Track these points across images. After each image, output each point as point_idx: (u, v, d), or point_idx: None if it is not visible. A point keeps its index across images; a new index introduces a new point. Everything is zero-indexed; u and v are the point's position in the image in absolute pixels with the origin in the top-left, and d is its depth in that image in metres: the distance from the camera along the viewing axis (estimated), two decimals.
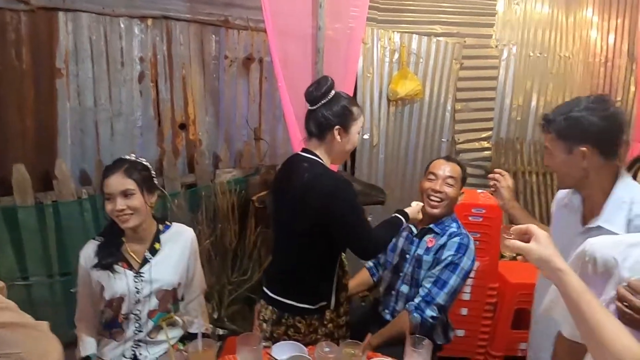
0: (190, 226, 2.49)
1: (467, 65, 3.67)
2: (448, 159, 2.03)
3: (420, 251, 1.95)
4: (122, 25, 2.65)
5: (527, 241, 1.02)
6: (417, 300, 1.86)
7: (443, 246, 1.89)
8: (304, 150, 1.77)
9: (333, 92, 1.70)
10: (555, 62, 4.00)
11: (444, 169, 1.95)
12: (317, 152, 1.73)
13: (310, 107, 1.73)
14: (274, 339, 1.77)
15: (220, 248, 2.81)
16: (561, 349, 1.16)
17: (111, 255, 1.64)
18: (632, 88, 4.29)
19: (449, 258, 1.85)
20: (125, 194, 1.58)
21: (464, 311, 2.65)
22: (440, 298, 1.83)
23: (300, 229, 1.72)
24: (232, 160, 3.09)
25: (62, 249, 2.55)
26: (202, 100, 2.96)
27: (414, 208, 1.95)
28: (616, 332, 0.88)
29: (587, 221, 1.45)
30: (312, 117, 1.72)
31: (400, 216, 1.86)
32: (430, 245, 1.94)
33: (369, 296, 3.50)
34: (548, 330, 1.60)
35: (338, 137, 1.70)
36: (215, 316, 2.78)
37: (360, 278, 2.26)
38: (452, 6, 3.53)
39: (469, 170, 3.75)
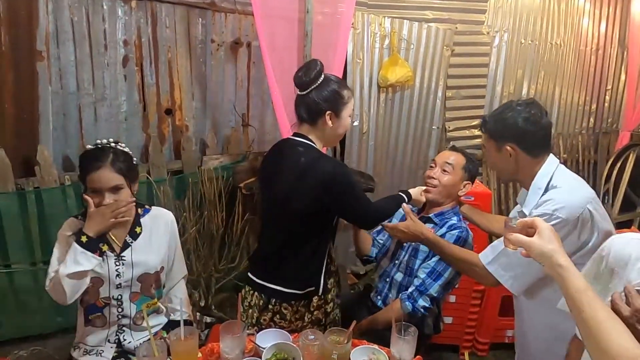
0: (176, 213, 2.46)
1: (458, 52, 3.63)
2: (453, 148, 2.03)
3: None
4: (104, 7, 2.58)
5: (531, 235, 1.00)
6: (410, 289, 1.87)
7: (441, 236, 1.85)
8: (295, 134, 1.74)
9: (322, 76, 1.66)
10: (546, 49, 3.97)
11: (444, 156, 1.97)
12: (310, 137, 1.71)
13: (300, 92, 1.69)
14: (260, 326, 1.75)
15: (207, 235, 2.78)
16: (574, 348, 1.18)
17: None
18: (623, 76, 4.29)
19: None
20: (114, 189, 1.53)
21: (452, 298, 2.65)
22: (434, 289, 1.84)
23: (295, 212, 1.69)
24: (220, 147, 3.04)
25: (45, 236, 2.50)
26: (188, 85, 2.90)
27: (417, 189, 1.95)
28: (615, 332, 0.85)
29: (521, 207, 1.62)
30: (302, 103, 1.69)
31: (402, 194, 1.88)
32: None
33: (359, 283, 3.50)
34: (532, 316, 1.62)
35: (330, 122, 1.67)
36: (203, 304, 2.75)
37: (365, 238, 2.22)
38: None
39: None
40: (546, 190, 1.51)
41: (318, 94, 1.65)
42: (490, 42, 3.75)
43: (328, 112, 1.66)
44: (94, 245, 1.52)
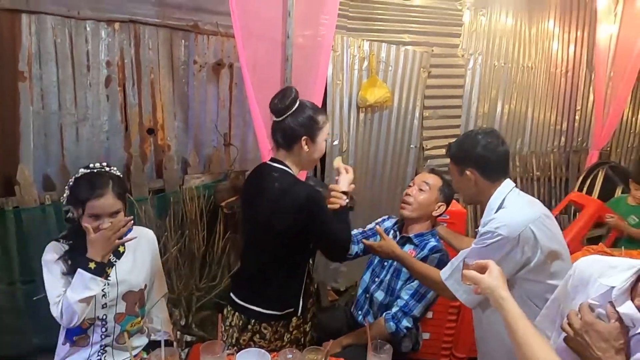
0: (157, 232, 2.47)
1: (435, 74, 3.76)
2: (432, 170, 2.13)
3: None
4: (88, 29, 2.62)
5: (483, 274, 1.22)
6: (394, 309, 1.92)
7: (424, 260, 1.92)
8: (272, 159, 1.79)
9: (298, 102, 1.71)
10: (519, 71, 4.15)
11: (423, 177, 2.07)
12: (286, 162, 1.75)
13: (275, 119, 1.74)
14: (239, 346, 1.78)
15: (188, 254, 2.80)
16: None
17: (78, 259, 1.60)
18: (591, 97, 4.49)
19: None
20: (115, 214, 1.55)
21: (430, 314, 2.71)
22: (417, 310, 1.91)
23: (275, 234, 1.73)
24: (202, 166, 3.08)
25: (24, 256, 2.50)
26: (171, 105, 2.95)
27: (349, 178, 1.83)
28: (542, 352, 1.05)
29: None
30: (278, 129, 1.74)
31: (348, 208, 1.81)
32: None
33: (339, 300, 3.55)
34: (491, 326, 1.70)
35: (305, 147, 1.72)
36: (183, 323, 2.76)
37: None
38: (420, 16, 3.62)
39: None
40: (497, 210, 1.63)
41: (294, 120, 1.70)
42: (465, 64, 3.90)
43: (304, 137, 1.70)
44: (101, 269, 1.54)
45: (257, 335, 1.79)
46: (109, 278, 1.62)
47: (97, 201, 1.52)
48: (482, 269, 1.23)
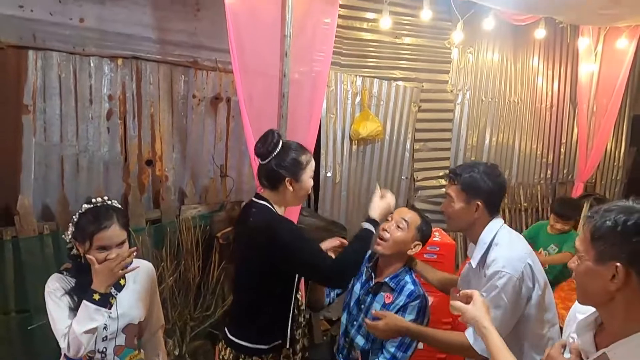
0: (153, 262, 2.52)
1: (425, 108, 3.90)
2: (412, 207, 2.13)
3: (377, 306, 1.93)
4: (92, 64, 2.72)
5: (468, 303, 1.31)
6: None
7: (404, 308, 1.88)
8: (256, 195, 1.86)
9: (280, 145, 1.77)
10: (505, 106, 4.31)
11: (402, 212, 1.99)
12: (270, 199, 1.81)
13: (260, 162, 1.81)
14: None
15: (184, 284, 2.83)
16: None
17: (82, 292, 1.60)
18: (575, 130, 4.65)
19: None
20: (121, 244, 1.60)
21: (420, 345, 2.74)
22: None
23: (253, 270, 1.79)
24: (198, 196, 3.14)
25: (20, 285, 2.51)
26: (169, 137, 3.03)
27: (381, 205, 1.85)
28: None
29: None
30: (263, 171, 1.80)
31: (369, 227, 1.80)
32: (387, 301, 1.93)
33: (331, 330, 3.56)
34: None
35: (290, 187, 1.77)
36: (177, 352, 2.77)
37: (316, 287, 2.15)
38: (411, 54, 3.78)
39: (426, 206, 3.94)
40: (490, 244, 1.71)
41: (277, 163, 1.75)
42: (454, 99, 4.05)
43: (287, 179, 1.76)
44: (105, 300, 1.57)
45: None
46: (110, 311, 1.64)
47: (105, 233, 1.56)
48: (468, 299, 1.31)
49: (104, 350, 1.66)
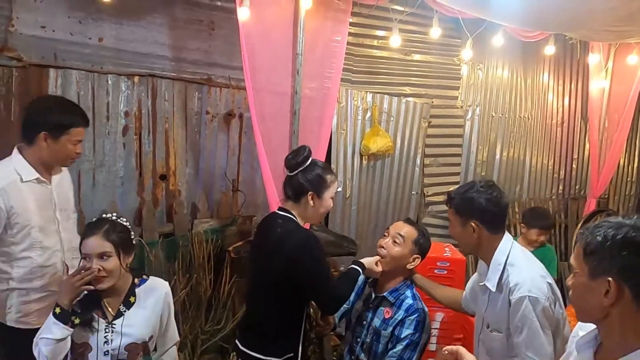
0: (166, 276, 2.55)
1: (435, 124, 3.93)
2: (407, 220, 2.06)
3: (377, 322, 1.95)
4: (109, 82, 2.80)
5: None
6: None
7: (402, 323, 1.88)
8: (280, 208, 1.93)
9: (309, 161, 1.88)
10: (515, 122, 4.32)
11: (397, 227, 1.98)
12: (293, 212, 1.89)
13: (288, 173, 1.90)
14: None
15: (195, 297, 2.86)
16: None
17: (90, 307, 1.66)
18: (587, 146, 4.63)
19: (409, 337, 1.87)
20: (102, 256, 1.61)
21: (433, 347, 2.73)
22: None
23: (271, 281, 1.84)
24: (210, 211, 3.19)
25: None
26: (183, 152, 3.10)
27: (372, 259, 1.94)
28: None
29: (482, 280, 1.78)
30: (289, 182, 1.90)
31: (356, 267, 1.92)
32: (387, 316, 1.93)
33: (341, 345, 3.55)
34: None
35: (311, 202, 1.87)
36: None
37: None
38: (421, 70, 3.82)
39: (437, 221, 3.94)
40: (504, 266, 1.68)
41: (303, 176, 1.86)
42: (464, 115, 4.07)
43: (310, 192, 1.86)
44: (65, 317, 1.58)
45: None
46: (114, 326, 1.66)
47: (87, 240, 1.62)
48: (454, 357, 1.26)
49: None
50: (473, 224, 1.70)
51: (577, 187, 4.71)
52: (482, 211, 1.69)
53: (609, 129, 4.32)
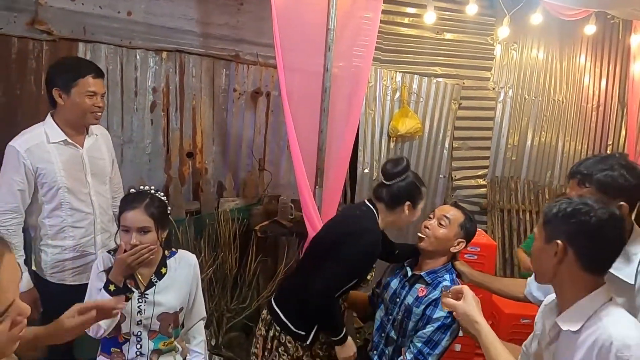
0: (193, 253, 2.56)
1: (465, 106, 3.82)
2: (454, 204, 2.06)
3: (410, 299, 1.92)
4: (138, 57, 2.78)
5: (460, 299, 1.39)
6: (409, 356, 1.85)
7: (435, 303, 1.83)
8: (370, 200, 1.96)
9: (408, 171, 1.90)
10: (549, 105, 4.16)
11: (444, 210, 1.97)
12: (379, 213, 1.92)
13: (385, 181, 1.92)
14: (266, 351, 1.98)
15: (221, 275, 2.87)
16: None
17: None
18: (623, 132, 4.45)
19: (442, 320, 1.81)
20: (142, 230, 1.62)
21: (457, 347, 2.69)
22: (432, 358, 1.83)
23: (321, 257, 1.90)
24: (236, 189, 3.17)
25: None
26: (210, 130, 3.07)
27: (349, 348, 1.95)
28: None
29: None
30: (385, 191, 1.92)
31: (342, 335, 1.92)
32: (421, 294, 1.90)
33: (364, 328, 3.54)
34: None
35: (407, 211, 1.89)
36: (213, 343, 2.81)
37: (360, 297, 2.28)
38: (452, 49, 3.70)
39: (464, 206, 3.85)
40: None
41: (402, 186, 1.88)
42: (496, 97, 3.94)
43: (408, 202, 1.89)
44: (120, 292, 1.61)
45: (277, 342, 1.95)
46: (146, 296, 1.69)
47: (128, 213, 1.62)
48: (459, 295, 1.40)
49: (139, 333, 1.69)
50: (622, 203, 1.44)
51: None
52: (629, 189, 1.45)
53: None
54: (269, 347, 1.98)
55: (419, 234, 1.96)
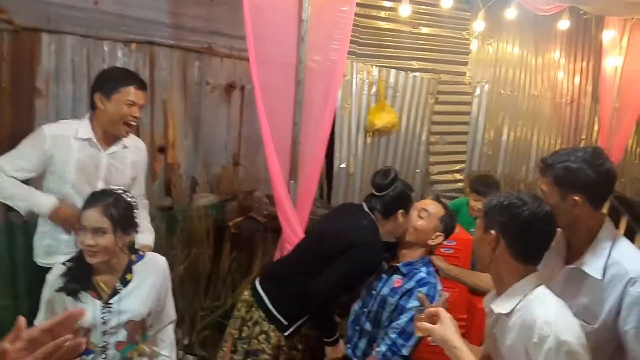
0: (164, 250, 2.49)
1: (442, 100, 3.82)
2: (435, 198, 2.06)
3: (385, 290, 1.93)
4: (105, 49, 2.67)
5: (435, 322, 1.31)
6: (383, 348, 1.86)
7: (410, 293, 1.86)
8: (367, 202, 1.99)
9: (397, 182, 1.95)
10: (524, 100, 4.20)
11: (424, 203, 2.01)
12: (377, 220, 1.95)
13: (375, 193, 1.97)
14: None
15: (194, 273, 2.80)
16: None
17: (77, 281, 1.60)
18: (596, 127, 4.53)
19: (415, 309, 1.79)
20: (97, 231, 1.55)
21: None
22: (406, 350, 1.84)
23: (319, 251, 1.95)
24: (210, 185, 3.10)
25: (30, 270, 2.50)
26: (182, 124, 2.99)
27: (339, 350, 1.97)
28: None
29: (570, 262, 1.54)
30: (378, 202, 1.97)
31: (334, 338, 1.93)
32: (396, 285, 1.92)
33: (341, 324, 3.52)
34: None
35: (401, 219, 1.93)
36: (186, 342, 2.74)
37: None
38: (429, 44, 3.69)
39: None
40: (610, 251, 1.46)
41: (392, 196, 1.94)
42: (472, 91, 3.96)
43: (401, 210, 1.93)
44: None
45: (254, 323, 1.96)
46: (110, 306, 1.61)
47: (85, 212, 1.57)
48: (433, 319, 1.32)
49: (105, 344, 1.62)
50: (577, 198, 1.44)
51: None
52: (590, 184, 1.43)
53: (620, 110, 4.21)
54: (247, 329, 1.98)
55: None
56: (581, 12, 3.68)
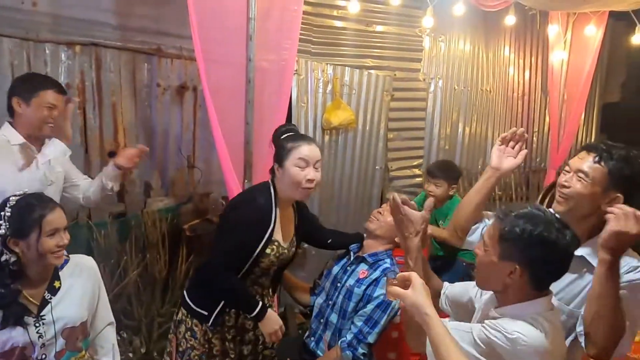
0: (116, 257, 2.43)
1: (398, 97, 3.87)
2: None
3: (351, 281, 1.97)
4: (47, 51, 2.58)
5: (407, 288, 1.21)
6: (349, 337, 1.89)
7: (375, 282, 1.91)
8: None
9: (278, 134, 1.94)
10: (477, 95, 4.30)
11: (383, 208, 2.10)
12: (276, 185, 1.87)
13: None
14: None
15: (150, 279, 2.73)
16: None
17: (12, 307, 1.50)
18: (547, 119, 4.69)
19: (381, 297, 1.89)
20: (66, 228, 1.55)
21: (395, 334, 2.71)
22: (371, 337, 1.89)
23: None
24: (165, 189, 3.04)
25: None
26: (133, 127, 2.92)
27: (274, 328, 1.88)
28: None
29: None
30: None
31: (260, 307, 1.82)
32: (362, 276, 1.96)
33: (306, 324, 3.50)
34: None
35: (277, 174, 1.84)
36: (143, 350, 2.67)
37: (300, 286, 2.30)
38: (382, 41, 3.73)
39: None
40: None
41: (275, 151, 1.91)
42: (427, 88, 4.02)
43: (275, 164, 1.84)
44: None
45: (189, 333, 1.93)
46: (43, 318, 1.54)
47: (54, 214, 1.50)
48: (406, 283, 1.21)
49: (43, 357, 1.54)
50: (619, 196, 1.39)
51: (537, 159, 4.78)
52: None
53: (568, 102, 4.37)
54: (178, 335, 1.97)
55: (371, 216, 2.08)
56: (526, 7, 3.80)
